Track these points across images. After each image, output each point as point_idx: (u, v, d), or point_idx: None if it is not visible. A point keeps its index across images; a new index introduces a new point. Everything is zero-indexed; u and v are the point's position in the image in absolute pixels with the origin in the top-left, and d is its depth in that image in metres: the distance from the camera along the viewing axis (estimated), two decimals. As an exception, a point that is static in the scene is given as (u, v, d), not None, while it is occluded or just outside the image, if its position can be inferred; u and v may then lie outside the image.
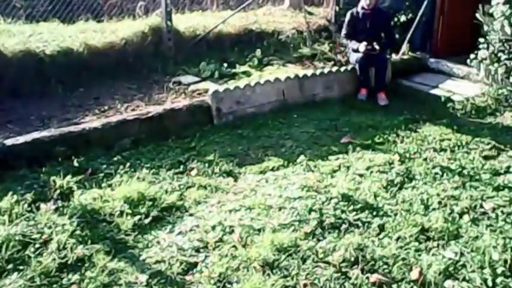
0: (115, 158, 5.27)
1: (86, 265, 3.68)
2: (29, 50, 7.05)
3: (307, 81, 7.14)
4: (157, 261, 3.75)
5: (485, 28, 6.73)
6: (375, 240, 3.97)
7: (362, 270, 3.61)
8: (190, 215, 4.36)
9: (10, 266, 3.60)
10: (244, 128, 6.23)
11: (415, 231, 4.04)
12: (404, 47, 8.65)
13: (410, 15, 8.80)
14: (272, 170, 5.22)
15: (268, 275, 3.57)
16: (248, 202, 4.49)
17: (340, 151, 5.62)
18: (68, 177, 4.73)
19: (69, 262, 3.68)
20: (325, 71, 7.40)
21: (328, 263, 3.69)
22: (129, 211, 4.29)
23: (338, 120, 6.59)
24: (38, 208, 4.30)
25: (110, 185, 4.75)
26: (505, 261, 3.66)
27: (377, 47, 7.29)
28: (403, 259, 3.73)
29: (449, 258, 3.72)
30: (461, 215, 4.32)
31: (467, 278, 3.54)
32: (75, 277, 3.55)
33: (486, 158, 5.48)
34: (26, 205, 4.30)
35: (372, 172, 5.07)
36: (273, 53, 8.90)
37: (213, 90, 6.36)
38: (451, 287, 3.48)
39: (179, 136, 5.86)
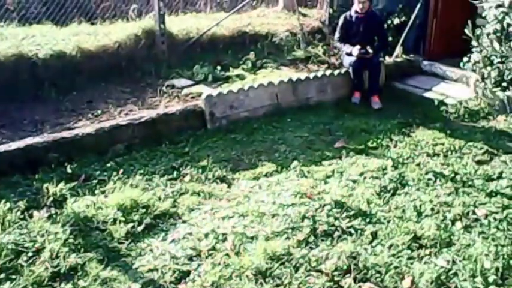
0: (108, 164, 5.26)
1: (79, 274, 3.68)
2: (22, 54, 7.00)
3: (301, 84, 7.14)
4: (150, 270, 3.75)
5: (474, 44, 6.76)
6: (368, 248, 3.98)
7: (354, 279, 3.62)
8: (184, 222, 4.36)
9: (2, 275, 3.60)
10: (237, 132, 6.23)
11: (407, 238, 4.06)
12: (398, 49, 8.66)
13: (403, 17, 8.83)
14: (265, 175, 5.22)
15: (261, 283, 3.59)
16: (241, 209, 4.50)
17: (333, 156, 5.63)
18: (61, 184, 4.73)
19: (61, 271, 3.68)
20: (319, 74, 7.40)
21: (320, 271, 3.70)
22: (122, 219, 4.29)
23: (332, 124, 6.60)
24: (30, 216, 4.30)
25: (103, 192, 4.75)
26: (497, 269, 3.68)
27: (370, 50, 7.31)
28: (396, 267, 3.74)
29: (442, 267, 3.73)
30: (453, 222, 4.34)
31: (459, 286, 3.57)
32: (68, 286, 3.56)
33: (479, 163, 5.50)
34: (18, 213, 4.29)
35: (365, 178, 5.08)
36: (266, 56, 8.88)
37: (207, 94, 6.36)
38: (443, 295, 3.51)
39: (172, 141, 5.85)
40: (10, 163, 4.96)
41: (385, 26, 8.46)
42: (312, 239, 4.07)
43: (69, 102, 6.83)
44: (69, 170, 5.05)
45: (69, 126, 6.00)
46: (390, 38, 8.45)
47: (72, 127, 5.93)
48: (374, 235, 4.15)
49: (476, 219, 4.39)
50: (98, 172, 5.11)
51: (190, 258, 3.87)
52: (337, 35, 7.77)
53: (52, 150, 5.19)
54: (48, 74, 7.05)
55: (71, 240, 3.97)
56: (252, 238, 4.08)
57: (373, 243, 4.04)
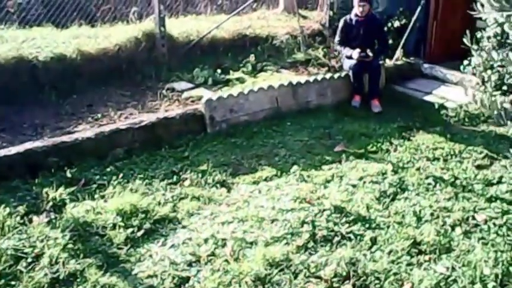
0: (108, 169, 5.26)
1: (78, 280, 3.68)
2: (22, 57, 7.00)
3: (301, 88, 7.14)
4: (149, 276, 3.75)
5: (474, 54, 6.75)
6: (367, 253, 3.98)
7: (354, 285, 3.63)
8: (183, 227, 4.37)
9: (2, 281, 3.60)
10: (237, 136, 6.22)
11: (407, 244, 4.06)
12: (398, 52, 8.66)
13: (404, 20, 8.83)
14: (265, 180, 5.22)
15: (260, 290, 3.59)
16: (241, 214, 4.50)
17: (333, 160, 5.63)
18: (61, 189, 4.73)
19: (61, 277, 3.68)
20: (319, 77, 7.39)
21: (319, 278, 3.70)
22: (122, 224, 4.29)
23: (331, 128, 6.60)
24: (30, 221, 4.31)
25: (102, 197, 4.75)
26: (496, 275, 3.68)
27: (370, 54, 7.30)
28: (395, 274, 3.75)
29: (441, 273, 3.74)
30: (453, 227, 4.34)
31: (458, 293, 3.57)
32: (67, 293, 3.56)
33: (479, 167, 5.51)
34: (18, 218, 4.30)
35: (364, 182, 5.08)
36: (266, 58, 8.89)
37: (207, 98, 6.35)
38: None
39: (172, 145, 5.85)
40: (10, 167, 4.96)
41: (386, 28, 8.48)
42: (311, 244, 4.08)
43: (69, 105, 6.83)
44: (68, 175, 5.05)
45: (69, 130, 5.99)
46: (390, 41, 8.46)
47: (72, 131, 5.92)
48: (373, 241, 4.15)
49: (476, 225, 4.39)
50: (97, 176, 5.11)
51: (190, 264, 3.87)
52: (337, 38, 7.77)
53: (52, 155, 5.19)
54: (49, 77, 7.05)
55: (70, 246, 3.98)
56: (251, 243, 4.08)
57: (373, 249, 4.04)
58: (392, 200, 4.80)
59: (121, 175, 5.11)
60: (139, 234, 4.21)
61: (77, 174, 5.10)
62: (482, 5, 3.15)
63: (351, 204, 4.65)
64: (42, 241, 4.01)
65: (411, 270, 3.79)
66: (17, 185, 4.86)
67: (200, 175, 5.21)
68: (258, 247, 4.00)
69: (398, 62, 8.67)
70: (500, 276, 3.68)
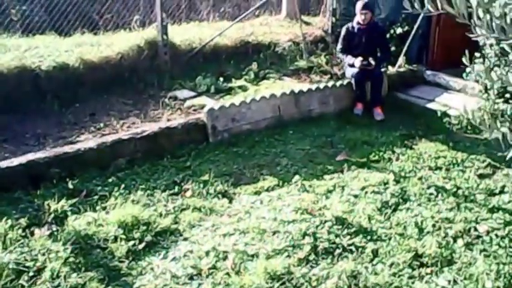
0: (110, 179, 5.26)
1: (80, 294, 3.69)
2: (25, 66, 7.02)
3: (303, 96, 7.13)
4: (150, 290, 3.76)
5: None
6: (369, 266, 3.98)
7: (355, 299, 3.62)
8: (185, 239, 4.37)
9: (3, 296, 3.61)
10: (239, 145, 6.22)
11: (408, 256, 4.06)
12: (401, 59, 8.64)
13: (406, 27, 8.79)
14: (267, 190, 5.22)
15: (262, 304, 3.58)
16: (242, 225, 4.50)
17: (335, 170, 5.63)
18: (63, 201, 4.72)
19: (62, 291, 3.69)
20: (321, 86, 7.38)
21: (321, 291, 3.70)
22: (123, 236, 4.29)
23: (334, 136, 6.59)
24: (32, 233, 4.31)
25: (104, 208, 4.75)
26: (498, 289, 3.68)
27: (373, 62, 7.29)
28: (396, 287, 3.74)
29: (442, 287, 3.73)
30: (455, 239, 4.33)
31: (460, 307, 3.56)
32: (69, 307, 3.56)
33: (481, 176, 5.50)
34: (20, 230, 4.29)
35: (366, 193, 5.07)
36: (269, 66, 8.89)
37: (209, 107, 6.35)
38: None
39: (174, 155, 5.85)
40: (12, 179, 4.96)
41: (388, 35, 8.47)
42: (312, 257, 4.07)
43: (71, 114, 6.84)
44: (70, 186, 5.05)
45: (72, 140, 6.01)
46: (393, 48, 8.44)
47: (75, 141, 5.94)
48: (375, 253, 4.14)
49: (478, 236, 4.38)
50: (99, 187, 5.11)
51: (191, 277, 3.87)
52: (339, 46, 7.76)
53: (54, 166, 5.19)
54: (51, 86, 7.07)
55: (71, 259, 3.98)
56: (252, 256, 4.08)
57: (374, 262, 4.04)
58: (394, 210, 4.79)
59: (123, 186, 5.11)
60: (140, 246, 4.21)
61: (78, 185, 5.10)
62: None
63: (352, 215, 4.65)
64: (43, 254, 4.01)
65: (413, 283, 3.79)
66: (19, 197, 4.86)
67: (202, 185, 5.21)
68: (260, 260, 4.00)
69: (401, 69, 8.64)
70: (502, 290, 3.67)
